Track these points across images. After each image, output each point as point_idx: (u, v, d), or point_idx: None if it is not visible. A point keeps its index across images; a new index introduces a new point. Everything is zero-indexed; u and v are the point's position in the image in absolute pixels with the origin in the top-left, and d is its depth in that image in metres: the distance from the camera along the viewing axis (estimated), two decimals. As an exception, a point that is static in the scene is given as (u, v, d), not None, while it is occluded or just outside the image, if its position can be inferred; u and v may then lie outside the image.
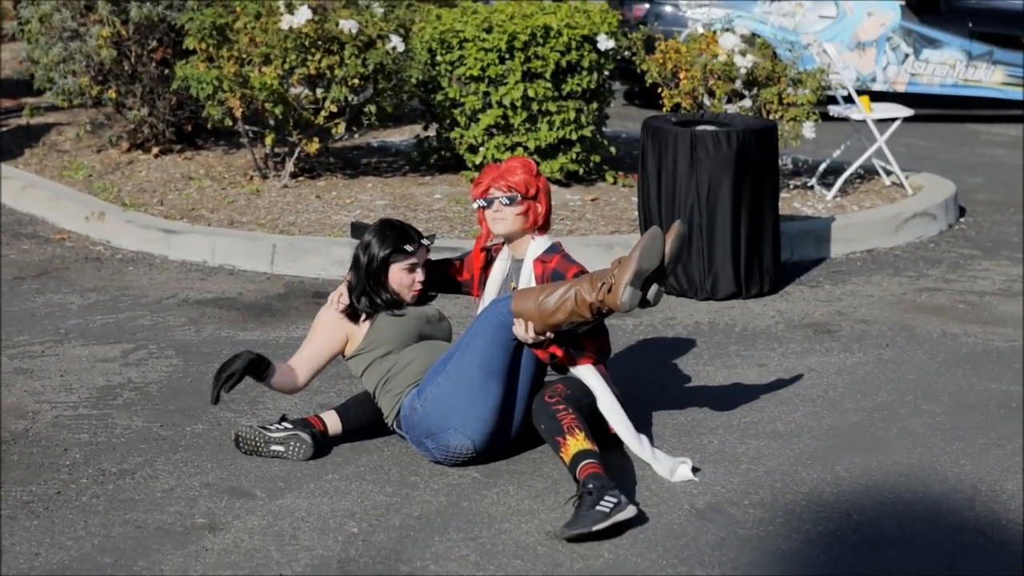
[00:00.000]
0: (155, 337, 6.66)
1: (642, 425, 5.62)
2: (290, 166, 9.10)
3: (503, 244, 5.51)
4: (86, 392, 5.95)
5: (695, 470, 5.18)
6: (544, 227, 5.44)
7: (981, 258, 8.33)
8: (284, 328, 6.82)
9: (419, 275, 5.40)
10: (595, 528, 4.64)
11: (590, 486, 4.77)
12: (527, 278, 5.37)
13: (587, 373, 5.23)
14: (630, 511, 4.72)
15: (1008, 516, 4.92)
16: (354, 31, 8.71)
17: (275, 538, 4.66)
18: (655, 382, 6.17)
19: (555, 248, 5.42)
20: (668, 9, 13.29)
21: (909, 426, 5.73)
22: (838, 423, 5.75)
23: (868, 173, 9.70)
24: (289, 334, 6.73)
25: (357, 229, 7.82)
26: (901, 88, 12.86)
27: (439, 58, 9.14)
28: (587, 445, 4.96)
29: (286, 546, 4.60)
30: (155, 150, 9.83)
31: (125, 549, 4.56)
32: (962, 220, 9.22)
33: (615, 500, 4.71)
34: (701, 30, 9.86)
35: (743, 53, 9.01)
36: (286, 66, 8.69)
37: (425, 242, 5.41)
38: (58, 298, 7.26)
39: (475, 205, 5.43)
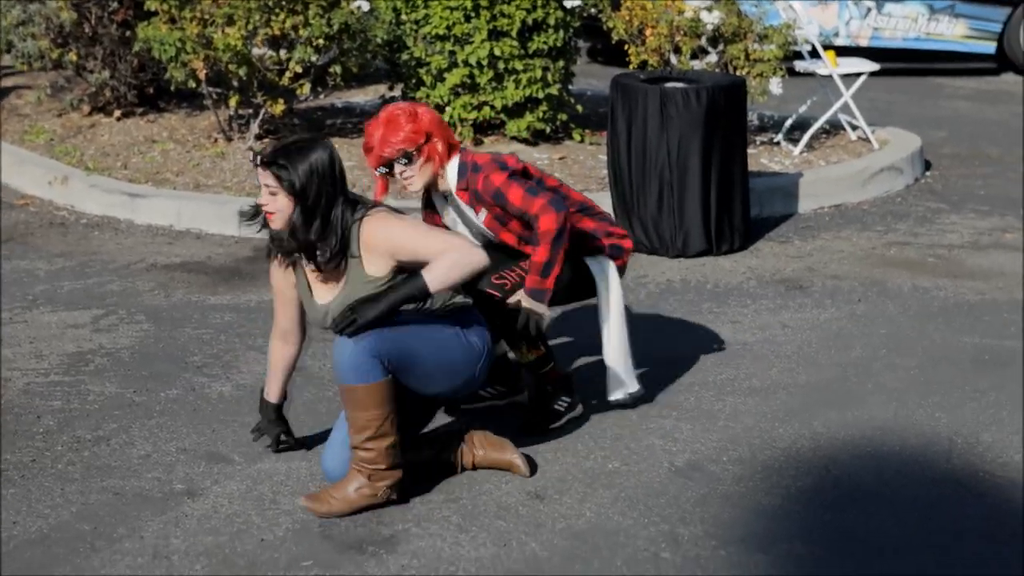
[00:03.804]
0: (124, 302, 6.60)
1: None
2: (255, 128, 9.02)
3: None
4: (57, 359, 5.90)
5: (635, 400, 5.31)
6: (450, 155, 5.04)
7: (948, 211, 8.36)
8: (255, 291, 6.77)
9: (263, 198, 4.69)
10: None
11: (548, 388, 5.18)
12: (469, 211, 5.08)
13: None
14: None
15: (984, 468, 4.94)
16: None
17: (255, 502, 4.63)
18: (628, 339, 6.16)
19: (463, 169, 5.03)
20: (630, -35, 13.20)
21: (884, 380, 5.75)
22: (813, 379, 5.77)
23: (834, 128, 9.71)
24: (260, 297, 6.68)
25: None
26: (864, 42, 12.86)
27: (404, 17, 9.07)
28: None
29: (266, 510, 4.58)
30: (117, 113, 9.73)
31: (104, 516, 4.52)
32: (928, 174, 9.25)
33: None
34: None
35: (709, 9, 8.99)
36: (250, 27, 8.60)
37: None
38: (24, 264, 7.18)
39: (377, 173, 5.03)
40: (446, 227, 5.20)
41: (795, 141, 9.31)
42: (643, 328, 6.33)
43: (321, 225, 4.46)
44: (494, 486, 4.76)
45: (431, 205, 5.21)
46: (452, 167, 5.03)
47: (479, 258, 4.42)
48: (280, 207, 4.47)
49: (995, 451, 5.08)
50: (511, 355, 5.26)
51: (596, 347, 5.31)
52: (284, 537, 4.40)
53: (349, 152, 8.84)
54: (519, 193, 4.94)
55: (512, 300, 4.99)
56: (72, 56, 9.61)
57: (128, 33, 9.50)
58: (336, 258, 4.50)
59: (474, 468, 4.86)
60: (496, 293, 5.03)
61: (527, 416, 5.24)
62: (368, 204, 4.56)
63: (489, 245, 5.05)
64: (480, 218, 5.07)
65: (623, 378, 5.24)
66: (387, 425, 4.51)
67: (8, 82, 10.68)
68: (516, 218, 5.00)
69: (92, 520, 4.50)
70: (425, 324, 4.54)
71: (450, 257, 4.40)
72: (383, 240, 4.47)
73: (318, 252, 4.51)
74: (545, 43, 9.03)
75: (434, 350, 4.54)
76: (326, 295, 4.61)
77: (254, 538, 4.39)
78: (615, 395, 5.25)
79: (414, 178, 4.97)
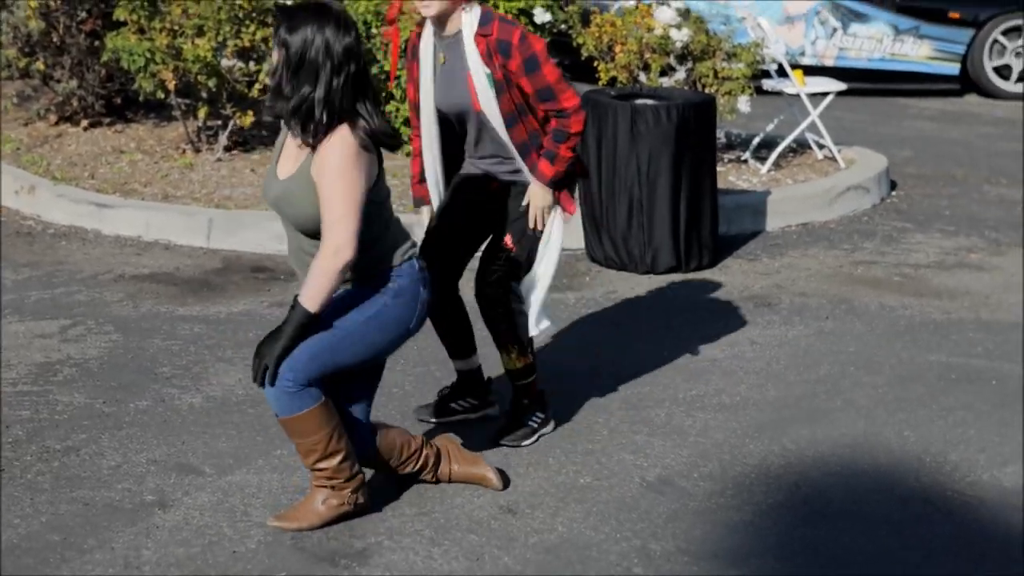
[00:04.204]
0: (92, 313, 6.57)
1: (587, 398, 5.64)
2: (224, 139, 9.00)
3: (420, 28, 5.09)
4: (25, 368, 5.86)
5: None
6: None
7: (914, 231, 8.41)
8: (224, 303, 6.75)
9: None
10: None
11: (525, 402, 5.22)
12: (473, 56, 4.91)
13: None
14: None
15: (953, 487, 4.98)
16: (288, 2, 8.62)
17: (226, 514, 4.61)
18: (598, 355, 6.18)
19: (489, 17, 4.95)
20: (599, -18, 13.25)
21: (852, 398, 5.78)
22: (783, 395, 5.79)
23: (801, 147, 9.76)
24: (229, 309, 6.66)
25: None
26: (830, 62, 12.94)
27: (374, 31, 9.07)
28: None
29: (238, 523, 4.56)
30: (84, 123, 9.68)
31: (74, 527, 4.50)
32: (894, 193, 9.31)
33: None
34: (634, 3, 9.87)
35: (678, 27, 9.02)
36: (220, 38, 8.59)
37: None
38: (-9, 273, 7.15)
39: None
40: (416, 83, 5.07)
41: (762, 159, 9.36)
42: (612, 344, 6.35)
43: (295, 96, 4.24)
44: (466, 500, 4.76)
45: (416, 57, 5.08)
46: (474, 12, 4.92)
47: (342, 258, 4.22)
48: (273, 62, 4.35)
49: (963, 470, 5.12)
50: (504, 362, 5.21)
51: (565, 369, 5.33)
52: (256, 549, 4.38)
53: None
54: (556, 73, 4.89)
55: (524, 201, 5.01)
56: (39, 65, 9.56)
57: (96, 43, 9.46)
58: (302, 137, 4.30)
59: (449, 481, 4.85)
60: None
61: (500, 430, 5.24)
62: (365, 125, 4.28)
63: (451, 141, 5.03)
64: (481, 72, 4.89)
65: (543, 314, 5.17)
66: (333, 443, 4.48)
67: (-26, 91, 10.62)
68: (532, 94, 4.89)
69: (62, 531, 4.47)
70: (342, 314, 4.40)
71: (318, 266, 4.26)
72: (322, 159, 4.26)
73: (291, 122, 4.32)
74: (515, 58, 9.02)
75: (358, 339, 4.42)
76: (286, 171, 4.42)
77: (226, 550, 4.37)
78: (537, 329, 5.17)
79: (432, 3, 4.86)
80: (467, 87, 4.95)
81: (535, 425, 5.24)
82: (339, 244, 4.23)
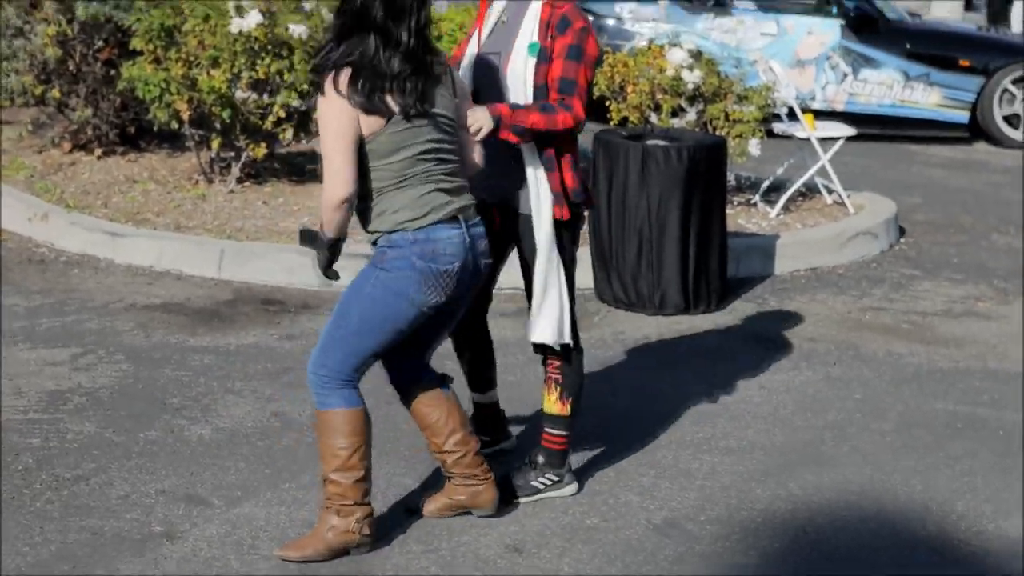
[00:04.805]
0: (104, 341, 6.60)
1: (594, 439, 5.65)
2: (236, 171, 9.04)
3: None
4: (36, 396, 5.89)
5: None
6: None
7: (922, 278, 8.44)
8: (234, 335, 6.78)
9: None
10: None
11: (540, 459, 5.11)
12: (533, 19, 4.85)
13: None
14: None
15: (959, 536, 4.99)
16: (304, 36, 8.68)
17: (234, 547, 4.63)
18: (605, 395, 6.20)
19: None
20: (611, 23, 13.35)
21: (859, 444, 5.80)
22: (789, 440, 5.81)
23: (810, 191, 9.80)
24: (239, 341, 6.69)
25: (306, 236, 7.80)
26: (839, 107, 12.99)
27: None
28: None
29: (245, 555, 4.58)
30: (98, 151, 9.73)
31: (82, 556, 4.51)
32: (902, 240, 9.34)
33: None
34: (646, 44, 9.93)
35: (690, 68, 9.08)
36: (235, 69, 8.64)
37: None
38: (2, 300, 7.17)
39: None
40: (468, 40, 5.00)
41: (772, 203, 9.39)
42: (620, 384, 6.37)
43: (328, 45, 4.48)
44: (473, 538, 4.77)
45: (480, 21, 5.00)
46: None
47: (331, 194, 4.40)
48: None
49: (968, 519, 5.13)
50: (544, 407, 5.14)
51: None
52: (263, 583, 4.40)
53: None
54: (587, 82, 4.82)
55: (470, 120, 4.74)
56: (55, 93, 9.62)
57: (112, 72, 9.52)
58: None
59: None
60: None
61: (511, 474, 5.14)
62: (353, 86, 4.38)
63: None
64: (528, 36, 4.82)
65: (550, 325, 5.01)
66: (355, 458, 4.54)
67: (-12, 116, 10.68)
68: (557, 79, 4.79)
69: (70, 560, 4.49)
70: (353, 298, 4.54)
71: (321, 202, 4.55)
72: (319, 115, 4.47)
73: None
74: (528, 97, 9.08)
75: (368, 320, 4.52)
76: None
77: (233, 583, 4.39)
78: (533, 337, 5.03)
79: None
80: (510, 43, 4.86)
81: (541, 487, 5.12)
82: (326, 182, 4.44)
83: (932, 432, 5.96)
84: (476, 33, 4.98)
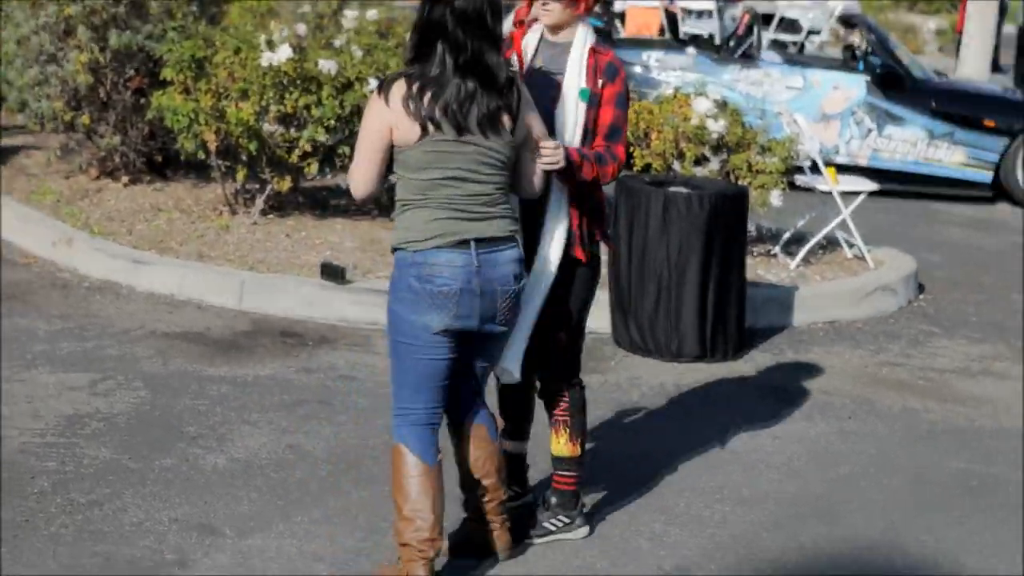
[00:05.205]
0: (122, 368, 6.64)
1: (606, 484, 5.66)
2: (260, 203, 9.11)
3: (524, 29, 5.09)
4: (53, 420, 5.93)
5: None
6: (590, 9, 5.06)
7: (940, 336, 8.44)
8: (252, 366, 6.82)
9: None
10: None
11: (553, 500, 5.15)
12: (577, 65, 4.93)
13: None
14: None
15: (968, 594, 5.00)
16: (333, 72, 8.76)
17: (245, 578, 4.66)
18: (620, 440, 6.21)
19: (599, 41, 5.02)
20: (638, 70, 13.41)
21: (871, 498, 5.80)
22: (801, 491, 5.82)
23: (830, 244, 9.82)
24: (256, 372, 6.72)
25: (329, 270, 7.87)
26: (863, 162, 13.02)
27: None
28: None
29: (256, 586, 4.60)
30: (125, 179, 9.80)
31: (94, 581, 4.54)
32: (921, 297, 9.34)
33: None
34: (672, 92, 9.98)
35: (715, 118, 9.12)
36: (263, 102, 8.71)
37: None
38: (24, 323, 7.22)
39: None
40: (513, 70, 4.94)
41: (792, 254, 9.42)
42: (635, 430, 6.39)
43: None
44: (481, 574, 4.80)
45: (511, 45, 5.04)
46: (590, 29, 5.01)
47: (353, 190, 4.61)
48: None
49: (979, 577, 5.13)
50: (554, 450, 5.16)
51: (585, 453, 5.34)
52: (272, 614, 4.42)
53: (352, 233, 8.93)
54: (627, 125, 5.01)
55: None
56: (84, 119, 9.70)
57: (142, 100, 9.60)
58: None
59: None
60: None
61: (520, 519, 5.14)
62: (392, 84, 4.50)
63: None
64: (577, 83, 4.90)
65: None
66: (400, 502, 4.59)
67: (19, 140, 10.77)
68: (607, 125, 4.92)
69: (82, 584, 4.52)
70: (389, 332, 4.64)
71: None
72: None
73: None
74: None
75: (392, 348, 4.64)
76: None
77: (243, 613, 4.41)
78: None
79: (555, 12, 4.92)
80: (557, 92, 4.92)
81: (553, 528, 5.14)
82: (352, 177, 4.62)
83: (945, 489, 5.96)
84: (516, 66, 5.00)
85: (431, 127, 4.43)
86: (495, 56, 4.51)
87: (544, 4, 4.94)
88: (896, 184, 12.92)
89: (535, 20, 5.07)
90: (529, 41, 5.05)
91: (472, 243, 4.50)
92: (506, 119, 4.53)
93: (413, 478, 4.55)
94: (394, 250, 4.57)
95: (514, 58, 4.95)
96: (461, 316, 4.51)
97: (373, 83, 8.83)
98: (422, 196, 4.50)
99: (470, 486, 4.82)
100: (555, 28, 5.01)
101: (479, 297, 4.52)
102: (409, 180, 4.50)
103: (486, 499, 4.81)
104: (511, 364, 4.87)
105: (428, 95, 4.43)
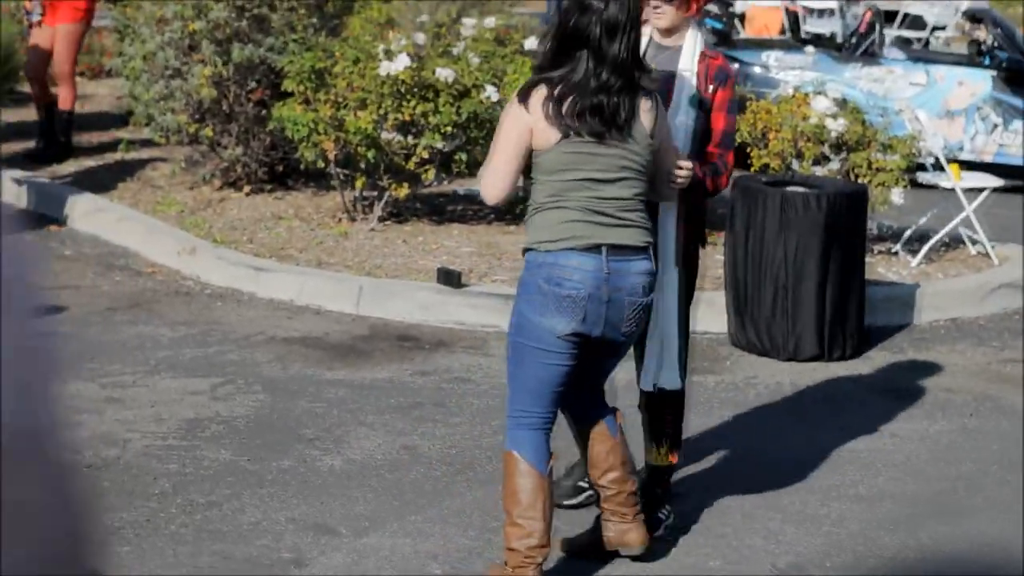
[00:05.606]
0: (243, 372, 6.76)
1: (722, 482, 5.64)
2: (379, 210, 9.20)
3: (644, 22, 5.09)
4: (175, 423, 6.05)
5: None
6: (701, 10, 5.11)
7: (1067, 332, 8.27)
8: (369, 369, 6.90)
9: None
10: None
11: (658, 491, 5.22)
12: (689, 69, 4.97)
13: None
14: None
15: (1092, 592, 4.89)
16: (450, 79, 8.83)
17: (359, 576, 4.71)
18: (736, 441, 6.18)
19: (709, 46, 5.03)
20: (757, 70, 13.32)
21: (993, 496, 5.70)
22: (921, 490, 5.74)
23: (953, 241, 9.67)
24: (373, 375, 6.80)
25: (445, 275, 7.93)
26: (988, 158, 12.79)
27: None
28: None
29: (369, 584, 4.66)
30: (246, 189, 9.97)
31: (212, 579, 4.63)
32: (1048, 293, 9.15)
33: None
34: (791, 92, 9.91)
35: (834, 117, 9.03)
36: (381, 111, 8.81)
37: None
38: (149, 330, 7.38)
39: None
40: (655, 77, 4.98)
41: (913, 252, 9.29)
42: (751, 429, 6.35)
43: None
44: (605, 572, 4.79)
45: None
46: (696, 33, 5.03)
47: (485, 193, 4.67)
48: None
49: (1103, 575, 5.02)
50: (652, 460, 5.22)
51: (701, 451, 5.32)
52: (385, 611, 4.47)
53: (469, 239, 8.98)
54: (735, 121, 5.06)
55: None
56: (208, 132, 9.88)
57: (263, 112, 9.76)
58: None
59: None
60: None
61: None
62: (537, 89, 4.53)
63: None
64: (688, 87, 4.93)
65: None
66: (507, 506, 4.60)
67: (145, 154, 11.00)
68: (721, 131, 4.98)
69: (200, 582, 4.61)
70: (512, 335, 4.63)
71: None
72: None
73: None
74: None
75: (514, 352, 4.62)
76: None
77: (356, 610, 4.47)
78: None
79: (667, 14, 4.94)
80: (667, 97, 4.89)
81: (663, 517, 5.18)
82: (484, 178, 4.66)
83: (1069, 487, 5.85)
84: None
85: (571, 131, 4.45)
86: (637, 62, 4.54)
87: (656, 7, 4.93)
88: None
89: (645, 22, 5.07)
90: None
91: (604, 249, 4.49)
92: (647, 124, 4.54)
93: (524, 485, 4.56)
94: (525, 251, 4.59)
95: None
96: (586, 322, 4.50)
97: (490, 90, 8.89)
98: (558, 197, 4.50)
99: (598, 480, 4.84)
100: (667, 31, 5.00)
101: (606, 304, 4.49)
102: (545, 182, 4.51)
103: (614, 492, 4.81)
104: (670, 373, 4.94)
105: (569, 100, 4.44)
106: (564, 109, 4.44)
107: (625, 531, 4.84)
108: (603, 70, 4.44)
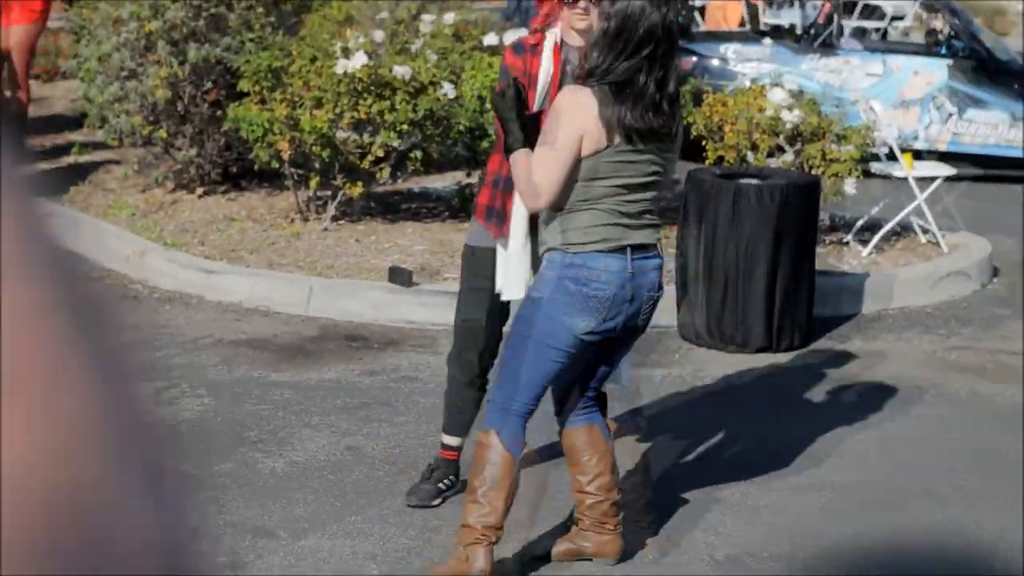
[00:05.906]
0: (188, 376, 6.75)
1: (662, 477, 5.66)
2: (332, 209, 9.19)
3: (541, 36, 5.09)
4: (119, 428, 6.03)
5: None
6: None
7: (1012, 318, 8.30)
8: (315, 370, 6.90)
9: None
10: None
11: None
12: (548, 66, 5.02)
13: None
14: None
15: (1027, 578, 4.92)
16: (407, 77, 8.81)
17: (295, 577, 4.72)
18: (680, 434, 6.20)
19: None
20: (715, 63, 13.35)
21: (934, 485, 5.73)
22: (862, 479, 5.77)
23: (904, 230, 9.70)
24: (320, 376, 6.80)
25: (396, 274, 7.93)
26: (943, 147, 12.81)
27: (489, 105, 9.21)
28: None
29: (305, 586, 4.66)
30: (199, 190, 9.94)
31: (147, 584, 4.62)
32: (996, 280, 9.20)
33: None
34: (748, 84, 9.92)
35: (790, 108, 9.05)
36: (337, 110, 8.78)
37: None
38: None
39: None
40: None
41: (864, 242, 9.32)
42: (696, 421, 6.37)
43: None
44: (538, 574, 4.80)
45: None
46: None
47: (531, 203, 4.57)
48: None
49: (1039, 561, 5.05)
50: None
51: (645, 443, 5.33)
52: (320, 612, 4.47)
53: (422, 237, 8.98)
54: None
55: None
56: (162, 133, 9.84)
57: (218, 112, 9.72)
58: None
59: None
60: None
61: None
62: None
63: None
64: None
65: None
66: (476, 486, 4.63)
67: (98, 157, 10.97)
68: None
69: (135, 587, 4.59)
70: (528, 330, 4.61)
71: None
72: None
73: None
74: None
75: (526, 345, 4.60)
76: None
77: (290, 612, 4.47)
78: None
79: (588, 21, 4.87)
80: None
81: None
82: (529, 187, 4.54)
83: (1011, 474, 5.87)
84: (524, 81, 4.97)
85: (618, 137, 4.47)
86: (677, 70, 4.61)
87: (585, 10, 4.87)
88: (977, 168, 12.71)
89: (550, 27, 5.07)
90: (547, 53, 5.02)
91: (628, 249, 4.55)
92: (677, 131, 4.60)
93: (495, 466, 4.59)
94: (550, 249, 4.59)
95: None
96: (608, 320, 4.55)
97: (447, 87, 8.89)
98: (589, 201, 4.52)
99: (583, 487, 4.84)
100: (584, 32, 4.97)
101: (628, 303, 4.56)
102: (577, 186, 4.53)
103: (599, 500, 4.83)
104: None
105: (623, 107, 4.45)
106: (617, 116, 4.45)
107: (605, 542, 4.86)
108: (661, 79, 4.46)
